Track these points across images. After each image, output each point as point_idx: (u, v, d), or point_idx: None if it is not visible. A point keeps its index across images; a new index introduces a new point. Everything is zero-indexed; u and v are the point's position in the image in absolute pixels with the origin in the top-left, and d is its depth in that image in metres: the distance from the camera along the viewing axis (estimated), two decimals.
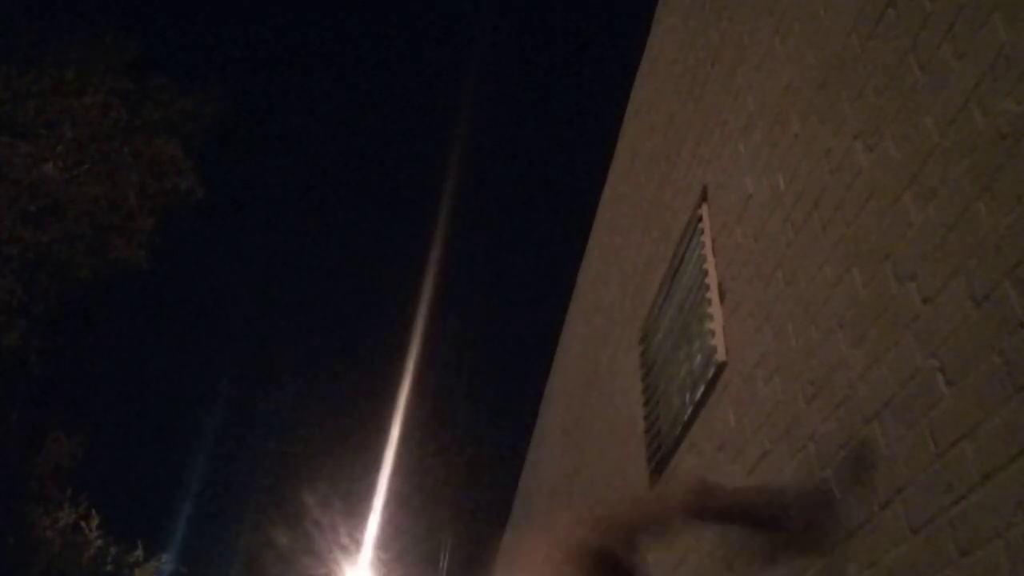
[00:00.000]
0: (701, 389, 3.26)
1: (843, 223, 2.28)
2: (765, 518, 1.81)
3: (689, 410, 3.39)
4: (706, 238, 3.43)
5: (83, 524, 17.37)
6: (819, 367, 2.33)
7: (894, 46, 2.12)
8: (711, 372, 3.15)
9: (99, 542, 17.49)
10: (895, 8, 2.14)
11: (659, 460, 3.70)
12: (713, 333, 3.18)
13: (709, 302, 3.26)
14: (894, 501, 1.88)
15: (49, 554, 16.17)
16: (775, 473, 2.52)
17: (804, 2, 2.73)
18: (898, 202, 2.01)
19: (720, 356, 3.09)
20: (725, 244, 3.22)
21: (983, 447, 1.59)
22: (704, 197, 3.54)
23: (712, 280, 3.29)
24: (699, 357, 3.38)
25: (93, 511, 17.51)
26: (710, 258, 3.36)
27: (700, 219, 3.54)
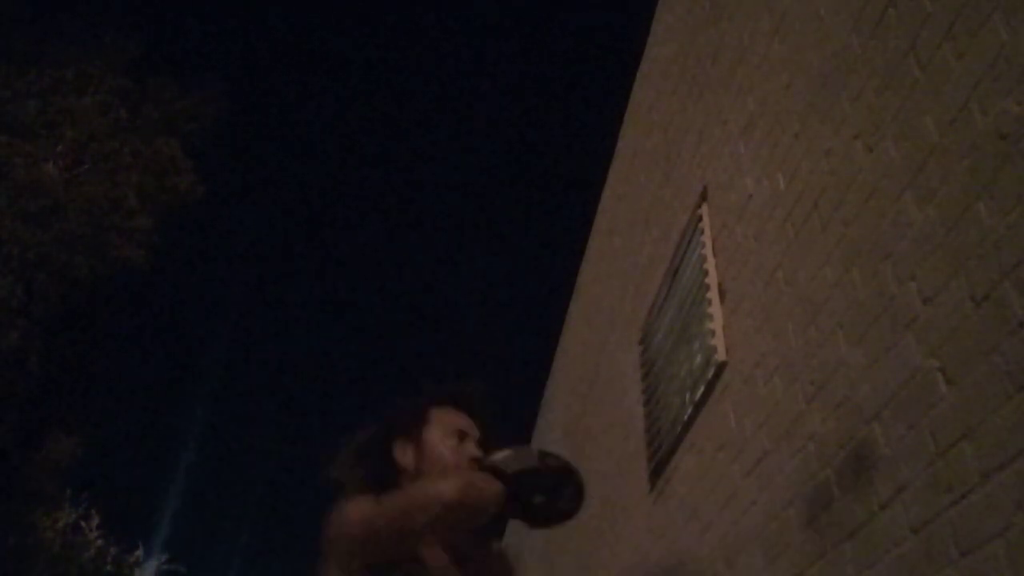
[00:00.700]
0: (701, 389, 3.26)
1: (843, 223, 2.28)
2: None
3: (689, 410, 3.39)
4: (706, 238, 3.43)
5: (83, 524, 17.40)
6: (819, 367, 2.32)
7: (894, 46, 2.11)
8: (711, 372, 3.15)
9: (99, 542, 17.52)
10: (895, 8, 2.14)
11: (659, 460, 3.70)
12: (713, 333, 3.18)
13: (709, 302, 3.26)
14: (894, 501, 1.88)
15: (49, 554, 16.18)
16: (775, 473, 2.52)
17: (804, 2, 2.73)
18: (898, 202, 2.01)
19: (720, 356, 3.09)
20: (725, 244, 3.22)
21: (983, 447, 1.59)
22: (704, 197, 3.53)
23: (712, 280, 3.29)
24: (699, 357, 3.38)
25: (93, 511, 17.54)
26: (710, 258, 3.36)
27: (700, 219, 3.53)
